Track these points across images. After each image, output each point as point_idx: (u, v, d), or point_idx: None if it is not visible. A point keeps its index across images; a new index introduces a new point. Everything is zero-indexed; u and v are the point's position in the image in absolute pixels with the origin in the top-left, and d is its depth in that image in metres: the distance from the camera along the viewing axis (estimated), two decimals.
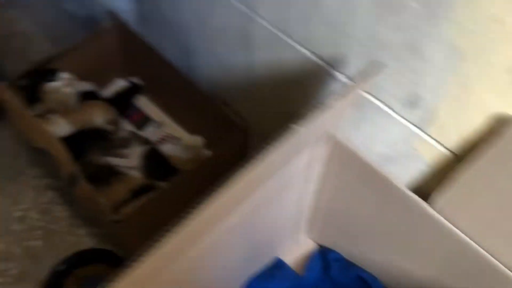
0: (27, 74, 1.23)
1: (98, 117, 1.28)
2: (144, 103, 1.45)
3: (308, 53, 0.81)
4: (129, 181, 1.15)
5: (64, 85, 1.24)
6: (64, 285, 1.13)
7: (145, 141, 1.29)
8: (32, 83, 1.23)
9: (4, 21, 1.65)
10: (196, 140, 1.31)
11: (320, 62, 0.81)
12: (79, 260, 1.14)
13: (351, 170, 0.83)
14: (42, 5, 1.71)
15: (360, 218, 0.95)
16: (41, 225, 1.23)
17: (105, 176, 1.15)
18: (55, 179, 1.31)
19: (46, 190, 1.29)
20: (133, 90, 1.44)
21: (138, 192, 1.15)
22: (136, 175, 1.20)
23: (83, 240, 1.21)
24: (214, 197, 0.58)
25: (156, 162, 1.24)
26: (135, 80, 1.44)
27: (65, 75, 1.25)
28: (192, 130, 1.38)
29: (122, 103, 1.41)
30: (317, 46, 0.79)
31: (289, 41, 0.84)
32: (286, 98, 0.96)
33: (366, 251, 1.03)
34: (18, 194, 1.28)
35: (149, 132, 1.39)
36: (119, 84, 1.48)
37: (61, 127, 1.21)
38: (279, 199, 0.88)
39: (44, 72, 1.24)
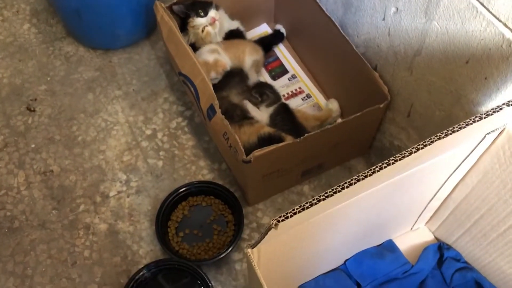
0: (183, 2, 1.24)
1: (250, 55, 1.28)
2: (284, 53, 1.43)
3: (507, 32, 0.72)
4: (258, 127, 1.15)
5: (209, 23, 1.23)
6: (177, 207, 1.17)
7: (277, 97, 1.27)
8: (185, 12, 1.25)
9: None
10: (333, 103, 1.26)
11: None
12: (200, 188, 1.17)
13: None
14: None
15: (497, 220, 0.87)
16: (166, 147, 1.28)
17: (238, 116, 1.16)
18: (188, 109, 1.35)
19: (177, 117, 1.33)
20: (277, 38, 1.42)
21: (264, 139, 1.14)
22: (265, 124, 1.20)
23: (201, 172, 1.24)
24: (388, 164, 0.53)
25: (283, 117, 1.22)
26: (281, 28, 1.42)
27: (213, 13, 1.24)
28: (328, 89, 1.34)
29: (264, 48, 1.39)
30: None
31: (485, 13, 0.74)
32: (454, 77, 0.87)
33: (494, 257, 0.95)
34: (151, 114, 1.34)
35: (283, 83, 1.38)
36: (263, 29, 1.47)
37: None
38: (425, 181, 0.82)
39: (198, 4, 1.25)
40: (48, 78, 1.40)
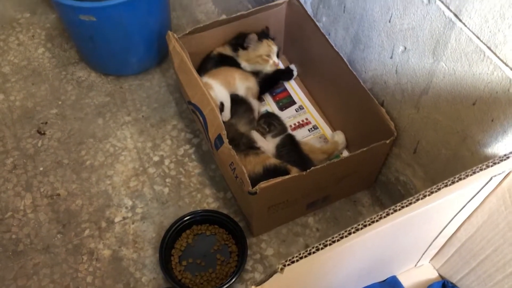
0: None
1: (241, 82, 1.30)
2: (292, 84, 1.45)
3: None
4: (264, 157, 1.16)
5: (274, 64, 1.35)
6: (181, 235, 1.17)
7: (283, 128, 1.28)
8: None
9: None
10: (339, 135, 1.28)
11: None
12: (204, 217, 1.17)
13: None
14: None
15: (503, 262, 0.87)
16: (173, 174, 1.29)
17: (244, 145, 1.17)
18: (196, 136, 1.36)
19: (184, 144, 1.35)
20: (285, 75, 1.44)
21: (270, 170, 1.15)
22: (270, 155, 1.21)
23: (207, 200, 1.25)
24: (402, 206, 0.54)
25: (289, 149, 1.23)
26: (294, 69, 1.44)
27: (278, 61, 1.34)
28: (335, 122, 1.35)
29: (271, 82, 1.41)
30: None
31: (492, 57, 0.76)
32: (460, 117, 0.88)
33: None
34: (159, 141, 1.35)
35: (290, 114, 1.39)
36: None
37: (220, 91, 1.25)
38: (431, 220, 0.82)
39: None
40: (60, 102, 1.42)
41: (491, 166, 0.56)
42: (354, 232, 0.50)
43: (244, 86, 1.31)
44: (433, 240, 0.96)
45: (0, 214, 1.21)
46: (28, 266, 1.14)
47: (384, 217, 0.51)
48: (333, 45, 1.18)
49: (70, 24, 1.37)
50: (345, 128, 1.30)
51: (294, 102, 1.42)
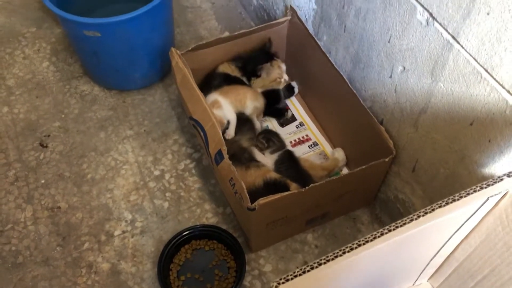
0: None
1: (251, 101, 1.31)
2: (293, 100, 1.47)
3: (511, 99, 0.74)
4: (265, 171, 1.17)
5: (283, 81, 1.37)
6: (179, 250, 1.18)
7: (282, 144, 1.30)
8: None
9: None
10: (339, 152, 1.29)
11: None
12: (203, 232, 1.18)
13: None
14: None
15: (500, 283, 0.87)
16: (173, 189, 1.30)
17: (245, 159, 1.18)
18: (196, 151, 1.37)
19: (185, 158, 1.36)
20: (288, 92, 1.46)
21: (270, 183, 1.16)
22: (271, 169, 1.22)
23: (206, 215, 1.25)
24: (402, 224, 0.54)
25: (288, 165, 1.24)
26: (295, 86, 1.46)
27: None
28: (335, 139, 1.36)
29: (273, 99, 1.43)
30: None
31: (489, 79, 0.77)
32: (458, 137, 0.89)
33: None
34: (160, 155, 1.36)
35: (290, 130, 1.40)
36: None
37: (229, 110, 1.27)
38: (428, 239, 0.82)
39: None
40: (63, 115, 1.43)
41: (485, 188, 0.57)
42: (348, 251, 0.50)
43: (253, 105, 1.33)
44: (431, 259, 0.96)
45: (0, 226, 1.22)
46: (27, 278, 1.14)
47: (379, 236, 0.52)
48: (334, 63, 1.19)
49: (75, 39, 1.39)
50: (345, 145, 1.31)
51: (294, 119, 1.43)
